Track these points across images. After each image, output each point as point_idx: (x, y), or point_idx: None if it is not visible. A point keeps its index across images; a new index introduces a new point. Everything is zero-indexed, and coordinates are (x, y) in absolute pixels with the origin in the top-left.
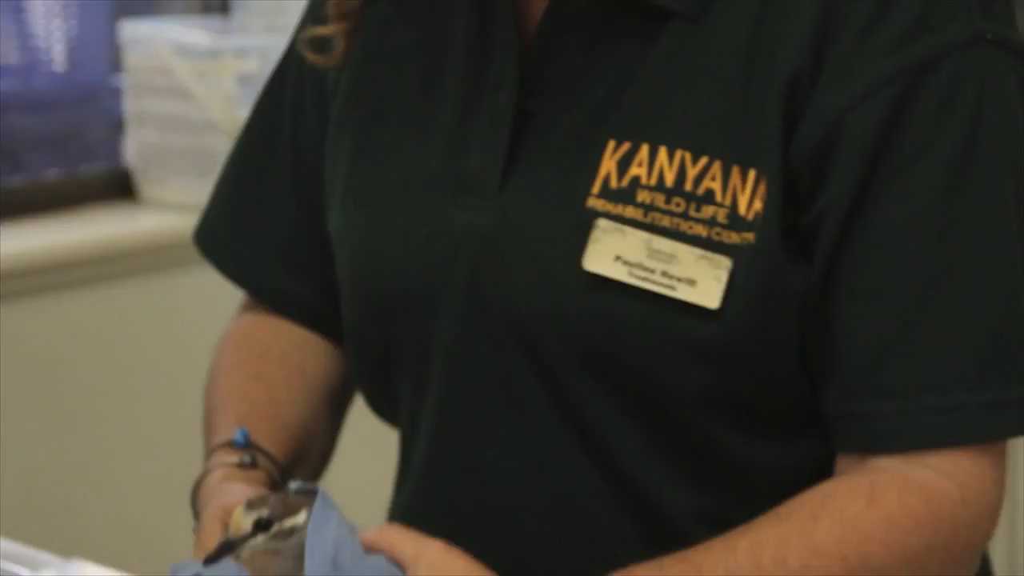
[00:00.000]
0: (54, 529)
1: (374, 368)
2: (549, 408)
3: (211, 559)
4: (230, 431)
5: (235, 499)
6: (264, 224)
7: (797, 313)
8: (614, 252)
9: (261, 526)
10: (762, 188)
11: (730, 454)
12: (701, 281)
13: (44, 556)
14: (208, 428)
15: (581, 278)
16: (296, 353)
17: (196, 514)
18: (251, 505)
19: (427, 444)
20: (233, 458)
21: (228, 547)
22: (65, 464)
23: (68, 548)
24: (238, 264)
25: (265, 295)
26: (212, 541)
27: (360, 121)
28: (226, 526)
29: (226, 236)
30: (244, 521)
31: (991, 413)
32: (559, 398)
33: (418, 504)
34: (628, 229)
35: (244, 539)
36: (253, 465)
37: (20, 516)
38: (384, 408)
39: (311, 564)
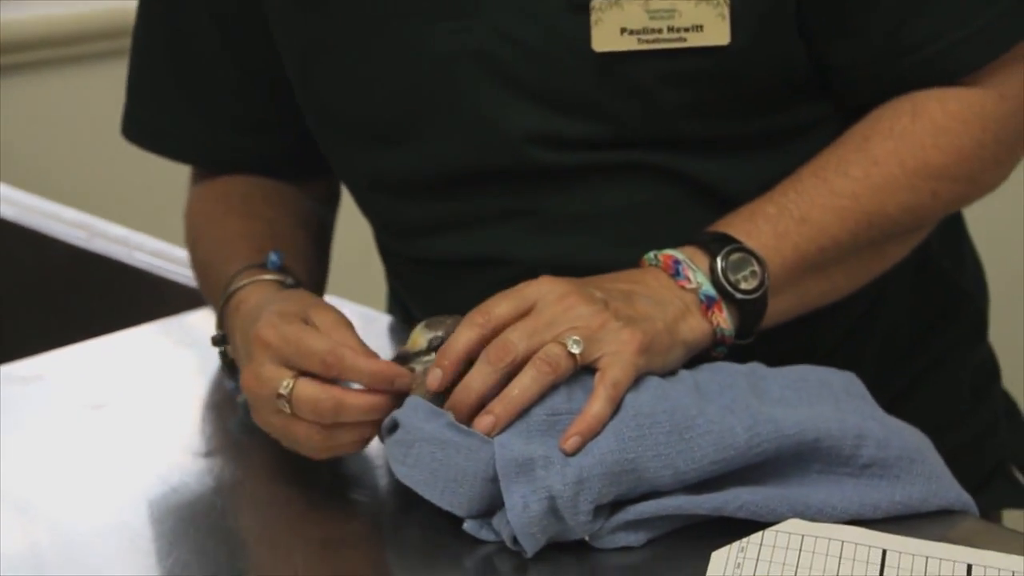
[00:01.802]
0: None
1: (373, 192)
2: (571, 196)
3: None
4: (250, 259)
5: (307, 304)
6: (197, 94)
7: (797, 16)
8: (617, 26)
9: (435, 347)
10: None
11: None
12: (707, 23)
13: None
14: (213, 271)
15: (594, 63)
16: (279, 196)
17: (223, 328)
18: (429, 325)
19: (451, 256)
20: (269, 277)
21: (402, 359)
22: None
23: None
24: (181, 144)
25: (223, 163)
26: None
27: None
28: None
29: (159, 122)
30: (421, 339)
31: (1012, 18)
32: (584, 180)
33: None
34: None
35: (418, 354)
36: (296, 287)
37: None
38: (388, 229)
39: None
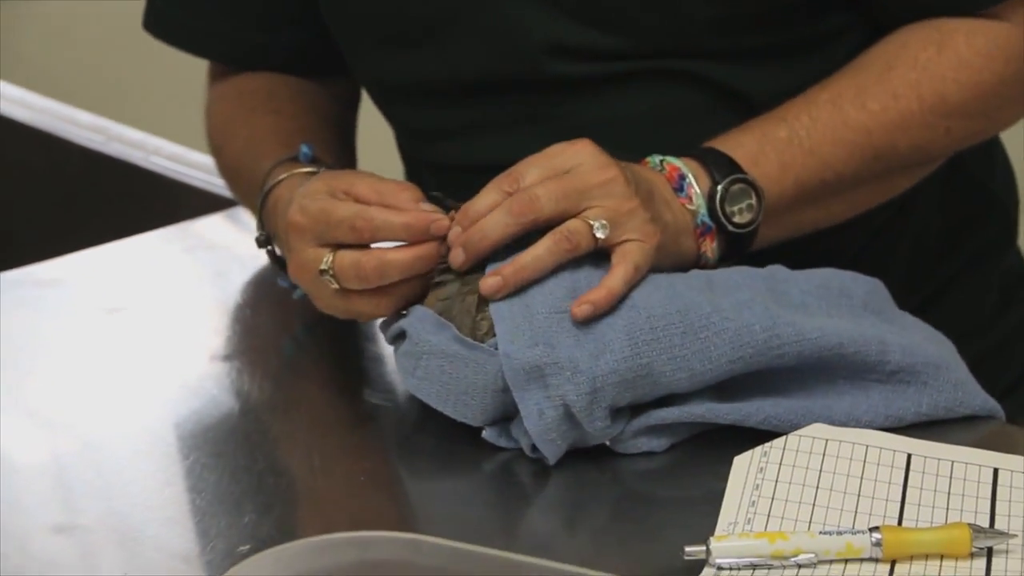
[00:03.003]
0: None
1: (390, 94)
2: (590, 104)
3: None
4: (281, 155)
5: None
6: None
7: None
8: None
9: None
10: None
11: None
12: None
13: None
14: (245, 173)
15: None
16: (303, 93)
17: (266, 229)
18: None
19: (467, 161)
20: (302, 169)
21: None
22: None
23: None
24: (203, 38)
25: (244, 60)
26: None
27: None
28: None
29: (182, 16)
30: None
31: None
32: (604, 89)
33: None
34: None
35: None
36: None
37: None
38: (404, 132)
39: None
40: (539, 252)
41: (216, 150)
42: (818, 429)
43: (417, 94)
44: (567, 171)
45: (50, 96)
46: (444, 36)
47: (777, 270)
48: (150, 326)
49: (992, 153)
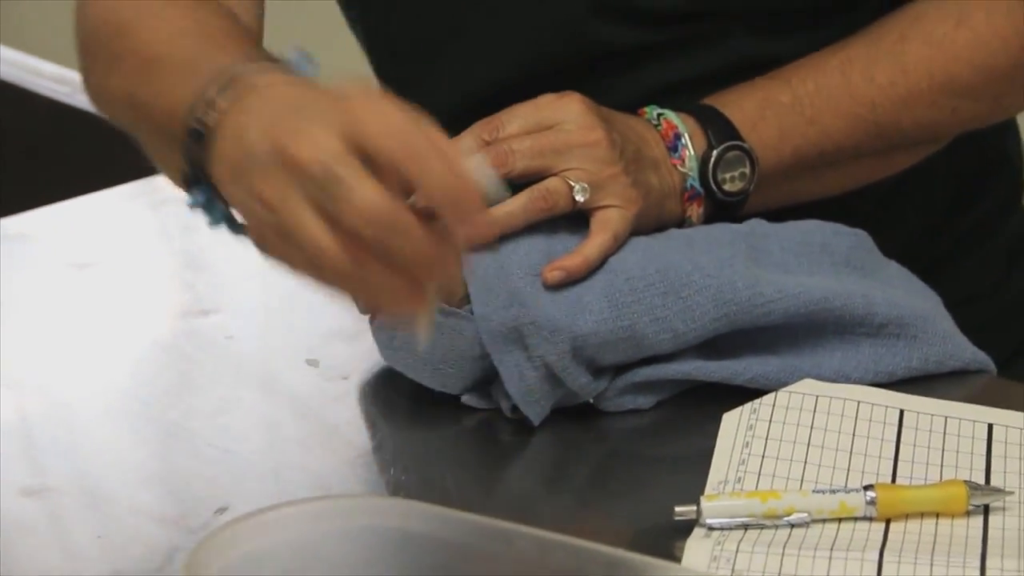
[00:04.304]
0: None
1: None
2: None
3: None
4: (252, 56)
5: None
6: None
7: None
8: None
9: None
10: None
11: None
12: None
13: None
14: (175, 59)
15: None
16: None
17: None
18: None
19: None
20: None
21: None
22: None
23: None
24: None
25: None
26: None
27: None
28: None
29: None
30: None
31: None
32: (643, 61)
33: None
34: None
35: None
36: None
37: None
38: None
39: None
40: (513, 208)
41: (101, 42)
42: (808, 385)
43: (471, 92)
44: (550, 126)
45: (14, 47)
46: (489, 25)
47: (757, 224)
48: (120, 282)
49: None
